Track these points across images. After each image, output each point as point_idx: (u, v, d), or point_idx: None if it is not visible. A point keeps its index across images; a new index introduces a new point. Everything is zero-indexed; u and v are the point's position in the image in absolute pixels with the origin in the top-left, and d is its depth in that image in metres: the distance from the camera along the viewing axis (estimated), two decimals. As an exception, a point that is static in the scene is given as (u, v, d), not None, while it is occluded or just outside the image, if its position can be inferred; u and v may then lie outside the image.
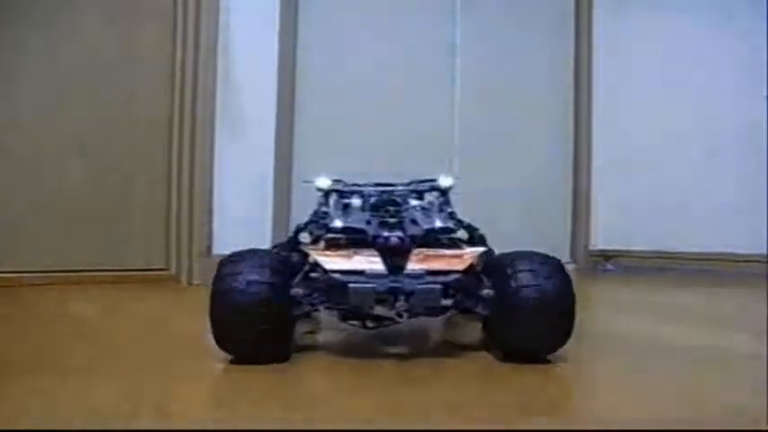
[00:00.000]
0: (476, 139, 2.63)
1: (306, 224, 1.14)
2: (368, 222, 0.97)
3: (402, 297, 0.88)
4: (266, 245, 2.09)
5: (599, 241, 2.88)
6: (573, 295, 0.91)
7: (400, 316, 0.89)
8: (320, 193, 1.15)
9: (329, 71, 2.33)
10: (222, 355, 0.93)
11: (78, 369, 0.92)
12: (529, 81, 2.78)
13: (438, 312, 0.97)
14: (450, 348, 1.12)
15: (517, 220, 2.59)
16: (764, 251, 2.33)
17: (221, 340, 0.92)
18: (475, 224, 1.17)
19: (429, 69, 2.57)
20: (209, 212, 2.06)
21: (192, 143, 2.06)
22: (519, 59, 2.75)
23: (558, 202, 2.85)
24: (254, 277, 0.88)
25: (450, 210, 1.09)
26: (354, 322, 1.02)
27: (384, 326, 1.02)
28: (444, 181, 1.11)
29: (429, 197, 1.12)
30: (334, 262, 0.91)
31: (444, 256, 0.93)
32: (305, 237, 1.14)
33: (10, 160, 1.89)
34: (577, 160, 2.89)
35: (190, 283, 2.01)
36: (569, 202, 2.88)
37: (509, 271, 0.92)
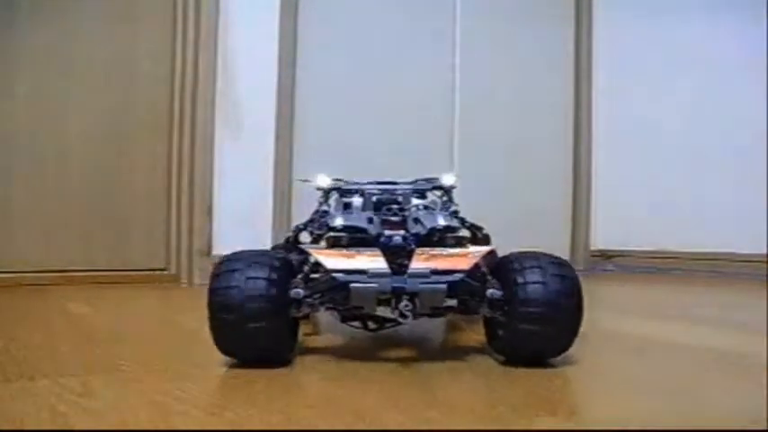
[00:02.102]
0: (476, 139, 2.63)
1: (305, 224, 1.13)
2: (370, 221, 0.95)
3: (406, 297, 0.85)
4: (267, 245, 2.09)
5: (599, 241, 2.88)
6: (580, 294, 0.89)
7: (404, 317, 0.85)
8: (320, 192, 1.14)
9: (329, 71, 2.33)
10: (224, 356, 0.92)
11: (79, 370, 0.92)
12: (529, 81, 2.78)
13: (442, 313, 0.94)
14: (452, 351, 1.08)
15: (517, 221, 2.59)
16: (764, 251, 2.33)
17: (220, 341, 0.90)
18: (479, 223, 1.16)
19: (429, 70, 2.57)
20: (209, 212, 2.06)
21: (192, 143, 2.06)
22: (519, 59, 2.75)
23: (557, 202, 2.85)
24: (252, 274, 0.85)
25: (453, 208, 1.07)
26: (356, 324, 1.00)
27: (386, 328, 1.00)
28: (447, 179, 1.11)
29: (432, 196, 1.12)
30: (335, 261, 0.88)
31: (448, 255, 0.90)
32: (305, 237, 1.13)
33: (9, 160, 1.89)
34: (577, 160, 2.89)
35: (190, 283, 2.01)
36: (569, 201, 2.88)
37: (516, 269, 0.89)
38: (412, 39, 2.52)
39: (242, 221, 2.10)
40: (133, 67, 2.05)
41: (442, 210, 1.05)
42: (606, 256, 2.86)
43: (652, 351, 1.11)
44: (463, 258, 0.89)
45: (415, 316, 0.86)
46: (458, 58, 2.62)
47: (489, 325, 0.97)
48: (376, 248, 0.90)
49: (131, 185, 2.04)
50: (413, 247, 0.90)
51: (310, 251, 0.94)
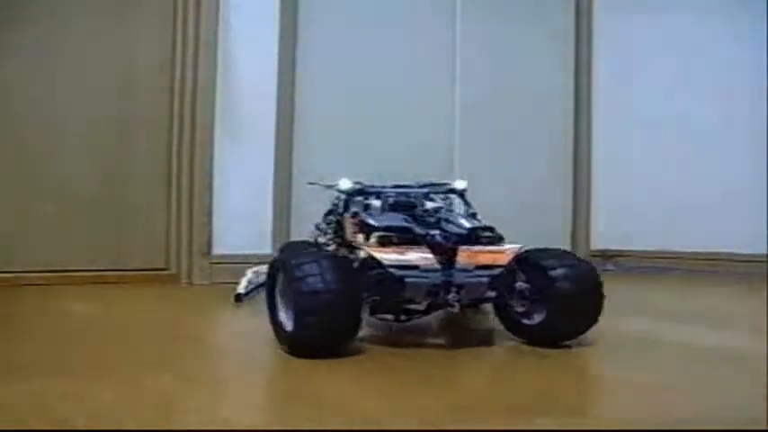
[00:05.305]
0: (476, 139, 2.63)
1: (326, 222, 1.26)
2: (408, 221, 1.07)
3: (453, 289, 0.97)
4: (267, 244, 2.10)
5: (599, 241, 2.88)
6: (600, 282, 1.04)
7: (452, 306, 0.98)
8: (337, 194, 1.26)
9: (329, 71, 2.33)
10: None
11: (80, 370, 0.92)
12: (529, 81, 2.78)
13: (481, 303, 1.08)
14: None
15: (517, 220, 2.58)
16: (764, 251, 2.33)
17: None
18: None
19: (429, 70, 2.57)
20: (209, 212, 2.05)
21: (191, 143, 2.06)
22: (519, 60, 2.75)
23: (557, 202, 2.85)
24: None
25: (472, 211, 1.19)
26: (387, 316, 1.08)
27: (414, 318, 1.10)
28: (459, 184, 1.23)
29: (440, 198, 1.23)
30: (390, 257, 0.98)
31: (488, 252, 1.01)
32: (319, 234, 1.27)
33: (10, 160, 1.89)
34: (577, 160, 2.89)
35: (190, 283, 2.01)
36: (569, 202, 2.88)
37: (544, 265, 1.02)
38: (412, 39, 2.52)
39: (242, 221, 2.10)
40: (133, 68, 2.05)
41: (465, 213, 1.18)
42: (606, 256, 2.86)
43: (650, 349, 1.11)
44: (501, 255, 1.01)
45: (461, 305, 1.00)
46: (458, 58, 2.62)
47: (509, 315, 1.09)
48: (423, 246, 1.00)
49: (131, 185, 2.04)
50: (456, 244, 1.01)
51: (366, 249, 1.02)
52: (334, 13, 2.36)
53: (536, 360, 1.00)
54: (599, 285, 1.04)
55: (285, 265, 0.98)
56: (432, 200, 1.22)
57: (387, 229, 1.04)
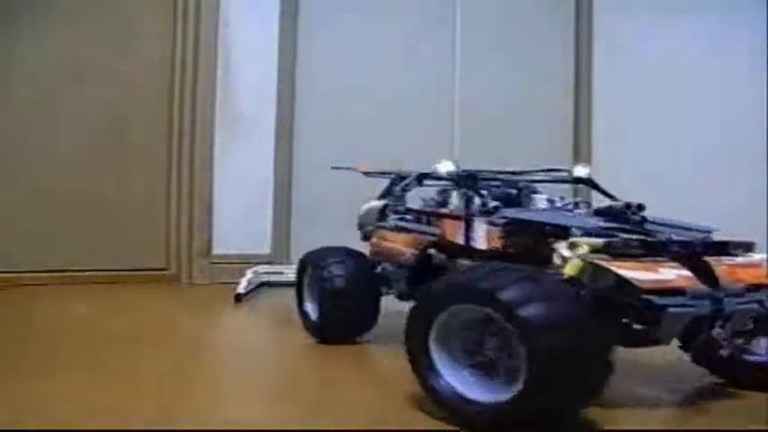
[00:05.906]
0: (475, 138, 2.63)
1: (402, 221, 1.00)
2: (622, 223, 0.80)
3: (719, 322, 0.68)
4: (267, 244, 2.10)
5: (599, 241, 2.88)
6: None
7: (719, 347, 0.71)
8: (391, 182, 1.04)
9: (329, 71, 2.32)
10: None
11: (80, 370, 0.92)
12: (529, 81, 2.78)
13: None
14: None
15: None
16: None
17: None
18: None
19: (429, 69, 2.57)
20: (209, 212, 2.05)
21: (191, 143, 2.06)
22: (519, 59, 2.75)
23: (557, 202, 2.85)
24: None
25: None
26: None
27: None
28: (581, 171, 1.01)
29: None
30: (643, 277, 0.67)
31: (746, 266, 0.74)
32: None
33: (10, 160, 1.89)
34: (577, 160, 2.89)
35: (190, 283, 2.01)
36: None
37: None
38: (411, 38, 2.52)
39: (242, 221, 2.10)
40: (133, 67, 2.05)
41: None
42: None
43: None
44: (762, 269, 0.75)
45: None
46: (458, 58, 2.62)
47: (714, 349, 0.79)
48: (670, 259, 0.73)
49: (132, 186, 2.04)
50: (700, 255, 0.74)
51: (605, 265, 0.71)
52: (335, 13, 2.36)
53: None
54: None
55: (487, 296, 0.64)
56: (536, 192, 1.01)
57: (606, 234, 0.74)
